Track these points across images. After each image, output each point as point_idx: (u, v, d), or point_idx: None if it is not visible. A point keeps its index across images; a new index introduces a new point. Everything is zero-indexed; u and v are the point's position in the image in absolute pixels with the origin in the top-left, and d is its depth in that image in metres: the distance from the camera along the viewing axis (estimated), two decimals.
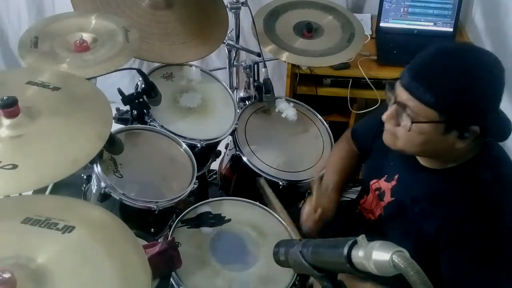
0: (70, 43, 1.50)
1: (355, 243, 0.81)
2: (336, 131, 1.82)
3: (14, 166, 0.99)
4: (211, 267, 1.32)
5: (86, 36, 1.51)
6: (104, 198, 1.39)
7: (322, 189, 1.46)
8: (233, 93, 1.99)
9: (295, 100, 1.93)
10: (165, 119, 1.65)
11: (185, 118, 1.71)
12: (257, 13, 1.95)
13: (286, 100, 1.90)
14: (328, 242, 0.88)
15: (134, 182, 1.43)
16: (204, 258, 1.34)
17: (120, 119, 1.69)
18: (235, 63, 2.09)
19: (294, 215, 1.48)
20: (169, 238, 1.30)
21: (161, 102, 1.65)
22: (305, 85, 2.31)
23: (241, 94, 2.00)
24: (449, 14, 2.33)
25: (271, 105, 1.88)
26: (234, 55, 2.08)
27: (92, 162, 1.39)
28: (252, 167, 1.69)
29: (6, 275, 0.77)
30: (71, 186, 1.67)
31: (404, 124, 1.09)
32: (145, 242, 1.26)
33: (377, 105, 2.24)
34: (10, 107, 1.06)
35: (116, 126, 1.57)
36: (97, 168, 1.38)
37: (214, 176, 2.22)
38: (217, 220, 1.45)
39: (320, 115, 1.91)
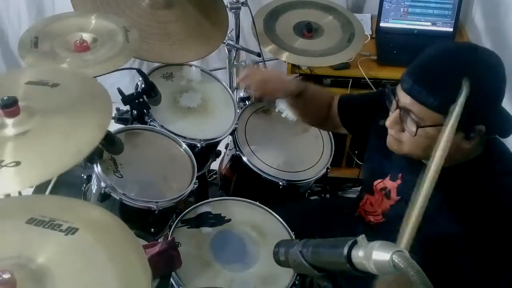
0: (70, 43, 1.50)
1: (355, 243, 0.81)
2: None
3: (17, 163, 0.99)
4: (211, 267, 1.32)
5: (86, 36, 1.51)
6: (104, 198, 1.39)
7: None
8: (233, 93, 1.99)
9: None
10: (165, 119, 1.65)
11: (185, 118, 1.71)
12: (257, 13, 1.96)
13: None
14: (328, 242, 0.88)
15: (134, 182, 1.43)
16: (204, 258, 1.34)
17: (120, 119, 1.69)
18: (235, 63, 2.09)
19: (294, 215, 1.47)
20: (169, 238, 1.31)
21: (161, 102, 1.65)
22: None
23: (241, 94, 2.00)
24: (449, 14, 2.32)
25: (271, 105, 1.88)
26: (234, 55, 2.08)
27: (92, 162, 1.39)
28: (252, 167, 1.69)
29: (6, 276, 0.76)
30: (71, 186, 1.67)
31: (409, 129, 1.08)
32: (145, 242, 1.26)
33: None
34: (10, 107, 1.06)
35: (116, 126, 1.57)
36: (97, 168, 1.38)
37: (214, 176, 2.22)
38: (217, 220, 1.45)
39: None
